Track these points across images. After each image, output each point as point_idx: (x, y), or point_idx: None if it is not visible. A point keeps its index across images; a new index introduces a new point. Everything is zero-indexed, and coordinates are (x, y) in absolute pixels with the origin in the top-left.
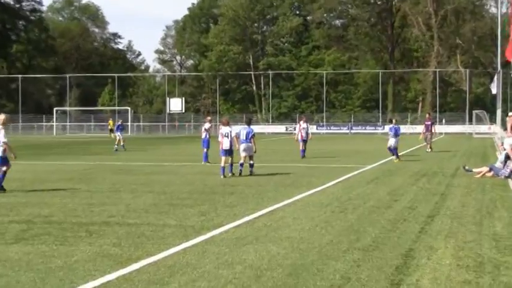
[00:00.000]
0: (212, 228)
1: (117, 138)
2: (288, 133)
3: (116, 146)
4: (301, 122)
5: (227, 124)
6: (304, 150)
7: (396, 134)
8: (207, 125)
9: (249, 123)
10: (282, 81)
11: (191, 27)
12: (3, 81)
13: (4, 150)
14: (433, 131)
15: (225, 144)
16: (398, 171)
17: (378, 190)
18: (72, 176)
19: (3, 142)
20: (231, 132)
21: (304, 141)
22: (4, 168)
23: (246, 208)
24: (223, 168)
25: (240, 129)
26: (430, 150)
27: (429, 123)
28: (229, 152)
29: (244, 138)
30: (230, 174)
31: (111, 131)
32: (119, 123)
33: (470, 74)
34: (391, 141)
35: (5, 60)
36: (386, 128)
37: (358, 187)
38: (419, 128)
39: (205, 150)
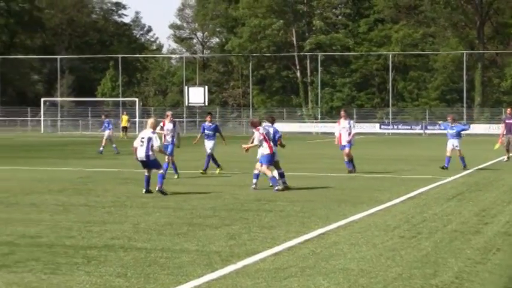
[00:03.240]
0: (244, 256)
1: (106, 137)
2: None
3: (114, 146)
4: (342, 119)
5: (259, 124)
6: (350, 161)
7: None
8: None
9: (272, 122)
10: (335, 65)
11: None
12: None
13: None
14: None
15: (266, 148)
16: (489, 185)
17: (462, 209)
18: (64, 186)
19: (157, 146)
20: (267, 133)
21: (345, 147)
22: (161, 171)
23: (288, 230)
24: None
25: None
26: (507, 158)
27: (511, 121)
28: (273, 158)
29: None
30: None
31: (125, 129)
32: (108, 119)
33: None
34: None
35: None
36: (477, 127)
37: (435, 205)
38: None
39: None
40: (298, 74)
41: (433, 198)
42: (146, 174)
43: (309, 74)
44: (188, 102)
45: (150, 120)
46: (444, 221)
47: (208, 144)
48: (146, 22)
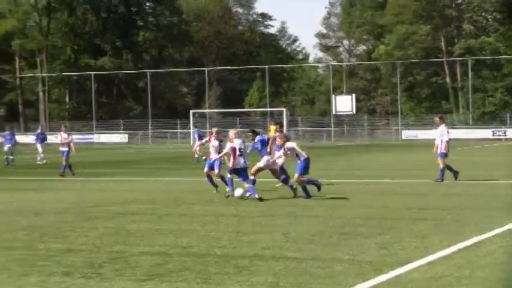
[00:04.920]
0: (396, 265)
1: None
2: (495, 139)
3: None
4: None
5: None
6: (453, 170)
7: None
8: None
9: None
10: (486, 69)
11: (362, 2)
12: (128, 77)
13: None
14: None
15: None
16: None
17: None
18: (214, 197)
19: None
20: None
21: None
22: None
23: (441, 239)
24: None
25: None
26: None
27: None
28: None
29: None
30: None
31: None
32: (197, 129)
33: None
34: None
35: (130, 51)
36: None
37: None
38: None
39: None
40: (448, 79)
41: None
42: (230, 176)
43: (459, 79)
44: (336, 111)
45: (233, 131)
46: None
47: (276, 155)
48: (292, 32)
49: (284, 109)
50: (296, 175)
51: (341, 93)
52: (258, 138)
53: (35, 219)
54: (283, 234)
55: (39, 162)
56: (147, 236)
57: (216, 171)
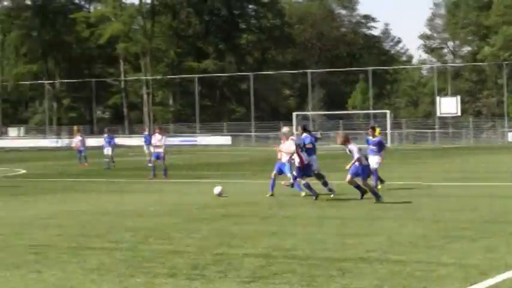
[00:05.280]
0: (503, 270)
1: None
2: None
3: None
4: None
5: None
6: None
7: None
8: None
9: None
10: None
11: (467, 2)
12: (231, 80)
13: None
14: None
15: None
16: None
17: None
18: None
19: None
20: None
21: None
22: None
23: None
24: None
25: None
26: None
27: None
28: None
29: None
30: None
31: None
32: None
33: None
34: None
35: (234, 54)
36: None
37: None
38: None
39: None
40: None
41: None
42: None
43: None
44: (440, 113)
45: (286, 129)
46: None
47: (373, 160)
48: (396, 33)
49: (387, 111)
50: (348, 176)
51: (446, 95)
52: (304, 136)
53: (139, 221)
54: (388, 237)
55: (150, 165)
56: (251, 238)
57: (288, 174)
